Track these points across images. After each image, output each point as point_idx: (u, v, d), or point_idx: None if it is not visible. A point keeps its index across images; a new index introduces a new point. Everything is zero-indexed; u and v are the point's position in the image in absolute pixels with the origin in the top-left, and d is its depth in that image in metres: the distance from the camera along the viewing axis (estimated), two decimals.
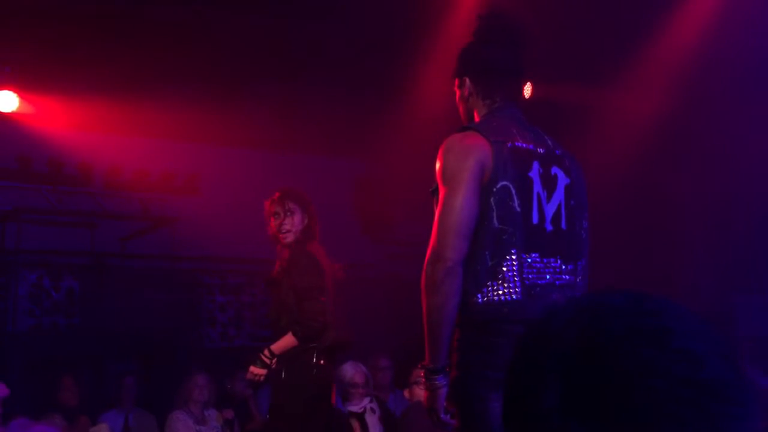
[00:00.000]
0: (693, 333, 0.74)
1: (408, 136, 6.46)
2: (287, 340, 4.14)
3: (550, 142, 2.69)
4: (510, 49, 2.73)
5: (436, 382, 2.51)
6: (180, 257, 7.74)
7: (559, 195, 2.61)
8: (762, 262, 6.96)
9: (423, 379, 2.58)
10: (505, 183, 2.50)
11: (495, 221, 2.48)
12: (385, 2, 5.49)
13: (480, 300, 2.48)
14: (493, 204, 2.49)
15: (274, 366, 4.16)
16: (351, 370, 5.47)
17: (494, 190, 2.49)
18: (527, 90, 5.16)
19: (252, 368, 4.16)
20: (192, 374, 6.15)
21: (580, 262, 2.65)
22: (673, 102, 6.46)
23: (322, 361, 4.16)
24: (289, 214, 4.32)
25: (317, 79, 6.56)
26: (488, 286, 2.48)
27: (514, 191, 2.51)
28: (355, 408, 5.40)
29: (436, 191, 2.57)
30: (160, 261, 7.75)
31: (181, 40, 5.89)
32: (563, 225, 2.60)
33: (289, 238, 4.29)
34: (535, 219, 2.54)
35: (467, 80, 2.77)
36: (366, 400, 5.45)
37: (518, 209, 2.51)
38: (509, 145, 2.56)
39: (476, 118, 2.75)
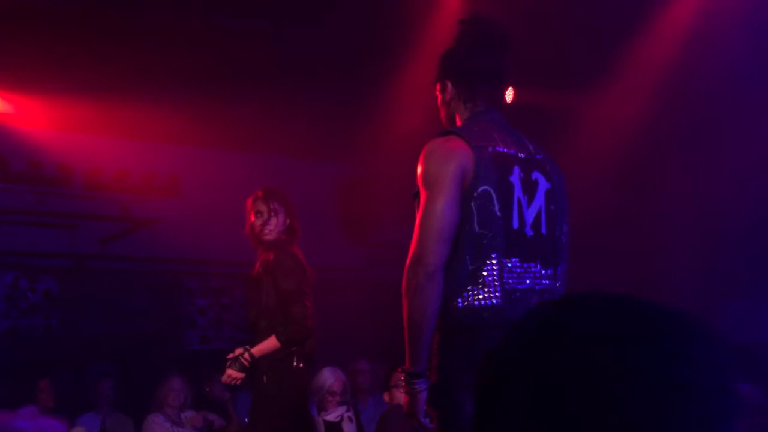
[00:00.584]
0: (679, 334, 0.74)
1: (391, 138, 6.47)
2: (270, 344, 4.05)
3: (531, 147, 2.71)
4: (492, 53, 2.75)
5: (416, 386, 2.52)
6: (160, 259, 7.70)
7: (539, 200, 2.63)
8: (746, 267, 7.00)
9: (403, 383, 2.59)
10: (485, 188, 2.52)
11: (476, 226, 2.50)
12: (369, 5, 5.50)
13: (460, 304, 2.49)
14: (473, 208, 2.50)
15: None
16: (330, 378, 5.41)
17: (475, 194, 2.51)
18: (509, 95, 5.18)
19: (230, 371, 4.06)
20: (167, 378, 6.12)
21: (560, 266, 2.67)
22: (657, 106, 6.50)
23: (302, 365, 4.13)
24: (273, 213, 4.24)
25: (300, 82, 6.56)
26: (468, 291, 2.49)
27: (494, 196, 2.53)
28: (330, 417, 5.36)
29: (417, 195, 2.58)
30: (140, 263, 7.70)
31: (164, 41, 5.87)
32: (543, 230, 2.63)
33: (271, 237, 4.22)
34: (515, 224, 2.56)
35: (449, 84, 2.78)
36: (342, 409, 5.41)
37: (499, 214, 2.52)
38: (490, 149, 2.58)
39: (458, 122, 2.76)
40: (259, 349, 4.06)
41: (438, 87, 2.83)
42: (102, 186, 7.43)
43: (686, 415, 0.70)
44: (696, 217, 7.20)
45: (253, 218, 4.27)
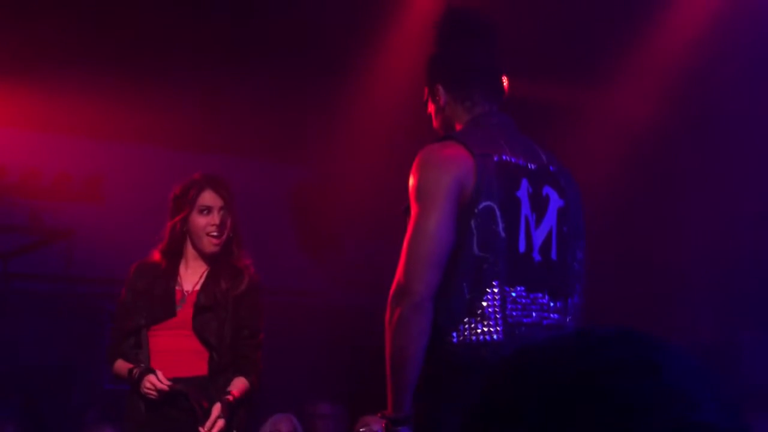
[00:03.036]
0: (687, 372, 0.80)
1: (362, 136, 6.50)
2: (246, 388, 3.78)
3: (543, 157, 2.78)
4: (482, 45, 2.84)
5: None
6: (76, 278, 7.66)
7: (550, 219, 2.69)
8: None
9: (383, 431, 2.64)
10: (488, 203, 2.58)
11: (475, 248, 2.56)
12: None
13: (455, 339, 2.55)
14: (473, 228, 2.56)
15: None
16: (283, 429, 5.40)
17: (476, 211, 2.57)
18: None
19: (222, 422, 3.64)
20: (94, 425, 6.06)
21: (571, 299, 2.73)
22: (672, 108, 6.62)
23: None
24: (225, 211, 3.85)
25: (249, 67, 6.56)
26: (465, 324, 2.55)
27: (498, 213, 2.59)
28: None
29: (408, 210, 2.63)
30: (52, 282, 7.65)
31: (84, 16, 5.85)
32: (553, 255, 2.69)
33: (220, 246, 3.86)
34: (521, 247, 2.62)
35: (440, 88, 2.84)
36: None
37: (503, 234, 2.59)
38: (495, 158, 2.64)
39: (458, 128, 2.82)
40: (240, 391, 3.76)
41: (427, 94, 2.89)
42: (6, 189, 7.37)
43: None
44: (715, 232, 7.31)
45: (192, 215, 3.86)
